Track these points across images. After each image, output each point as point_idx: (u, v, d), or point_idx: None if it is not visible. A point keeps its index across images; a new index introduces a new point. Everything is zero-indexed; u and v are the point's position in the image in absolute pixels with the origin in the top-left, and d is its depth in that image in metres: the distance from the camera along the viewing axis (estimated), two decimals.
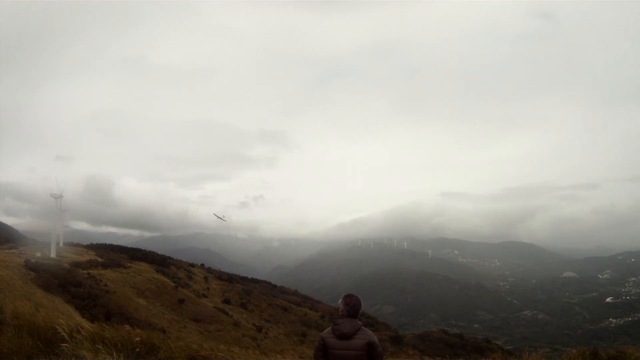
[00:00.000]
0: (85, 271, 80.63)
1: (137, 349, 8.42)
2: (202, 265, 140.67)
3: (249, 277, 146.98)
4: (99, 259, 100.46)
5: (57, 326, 8.79)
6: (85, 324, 10.22)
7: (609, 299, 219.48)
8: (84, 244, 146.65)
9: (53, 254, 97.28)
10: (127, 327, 9.71)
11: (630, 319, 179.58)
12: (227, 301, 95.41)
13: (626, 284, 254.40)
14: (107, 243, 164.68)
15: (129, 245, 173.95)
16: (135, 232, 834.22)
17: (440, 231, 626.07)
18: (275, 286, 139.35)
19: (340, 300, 5.79)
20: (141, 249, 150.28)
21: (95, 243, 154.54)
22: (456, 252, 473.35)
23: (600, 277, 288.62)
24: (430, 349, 74.16)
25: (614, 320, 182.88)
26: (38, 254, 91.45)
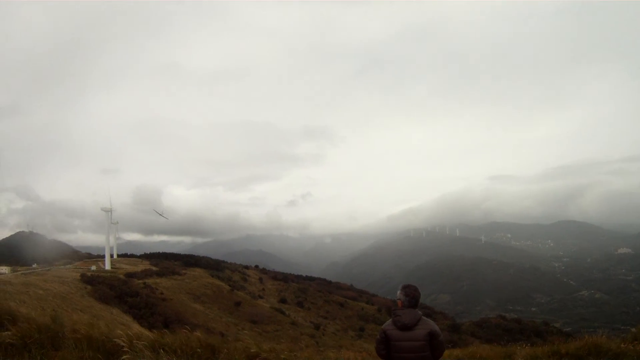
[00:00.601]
0: (140, 281, 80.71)
1: (197, 353, 8.41)
2: (257, 266, 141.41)
3: (304, 275, 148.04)
4: (154, 268, 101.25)
5: (115, 337, 8.58)
6: (144, 332, 10.20)
7: None
8: (138, 254, 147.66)
9: (108, 267, 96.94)
10: (186, 332, 9.16)
11: None
12: (283, 301, 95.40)
13: None
14: (161, 252, 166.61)
15: (183, 252, 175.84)
16: (187, 239, 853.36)
17: (491, 215, 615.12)
18: (330, 282, 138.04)
19: (399, 292, 5.57)
20: (195, 255, 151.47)
21: (148, 252, 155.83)
22: (509, 235, 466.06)
23: None
24: (488, 335, 73.41)
25: None
26: (93, 268, 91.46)
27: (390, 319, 5.49)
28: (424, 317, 5.45)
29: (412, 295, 5.50)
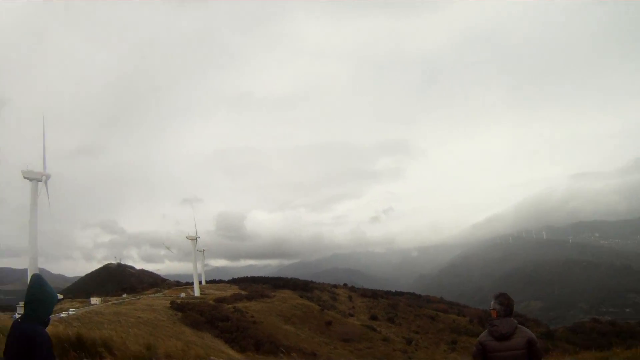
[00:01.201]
0: (230, 305, 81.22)
1: None
2: (345, 285, 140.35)
3: (393, 290, 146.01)
4: (243, 292, 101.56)
5: None
6: (237, 356, 12.90)
7: None
8: (226, 279, 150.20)
9: (197, 293, 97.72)
10: (280, 354, 10.80)
11: None
12: (373, 317, 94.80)
13: None
14: (249, 276, 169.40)
15: (270, 275, 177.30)
16: (274, 262, 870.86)
17: (576, 215, 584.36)
18: (419, 296, 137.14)
19: (492, 301, 5.45)
20: (283, 277, 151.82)
21: (236, 277, 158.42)
22: (597, 234, 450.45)
23: None
24: (583, 340, 71.34)
25: None
26: (182, 295, 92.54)
27: (486, 330, 5.35)
28: (519, 325, 5.27)
29: (506, 304, 5.34)
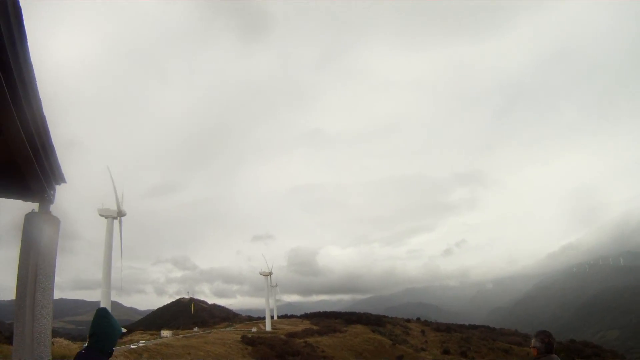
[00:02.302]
0: (301, 340, 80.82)
1: None
2: (418, 319, 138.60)
3: (466, 324, 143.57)
4: (314, 327, 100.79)
5: None
6: None
7: None
8: (298, 314, 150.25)
9: (269, 328, 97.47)
10: None
11: None
12: (446, 351, 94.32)
13: None
14: (321, 311, 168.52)
15: (343, 310, 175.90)
16: (347, 297, 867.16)
17: None
18: (494, 329, 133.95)
19: (533, 339, 5.47)
20: (355, 312, 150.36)
21: (309, 312, 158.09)
22: None
23: None
24: None
25: None
26: (254, 329, 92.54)
27: None
28: None
29: (547, 342, 5.29)
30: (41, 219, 5.22)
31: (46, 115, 4.22)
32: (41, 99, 3.99)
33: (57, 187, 5.43)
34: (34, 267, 4.89)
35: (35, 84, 3.74)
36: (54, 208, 5.41)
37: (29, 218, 5.18)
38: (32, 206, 5.40)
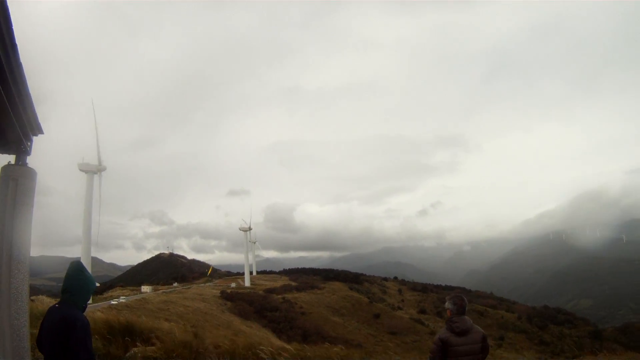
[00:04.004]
0: (279, 296, 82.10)
1: None
2: (395, 278, 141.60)
3: (443, 285, 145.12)
4: (293, 283, 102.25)
5: (258, 351, 8.91)
6: (285, 346, 10.24)
7: None
8: (277, 270, 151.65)
9: (247, 283, 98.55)
10: (327, 344, 10.15)
11: None
12: (422, 311, 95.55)
13: None
14: (300, 267, 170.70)
15: (321, 267, 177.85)
16: (325, 254, 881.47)
17: (631, 212, 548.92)
18: (469, 291, 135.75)
19: (447, 302, 5.98)
20: (333, 269, 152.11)
21: (287, 268, 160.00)
22: None
23: None
24: (633, 342, 68.61)
25: None
26: (233, 285, 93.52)
27: (444, 327, 5.77)
28: (473, 323, 5.80)
29: (459, 304, 5.82)
30: (17, 171, 5.06)
31: (22, 64, 4.05)
32: (17, 46, 3.82)
33: (34, 139, 5.24)
34: (10, 219, 4.74)
35: (11, 30, 3.60)
36: (31, 160, 5.24)
37: (5, 170, 5.01)
38: (8, 158, 5.23)
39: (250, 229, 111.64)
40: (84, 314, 4.37)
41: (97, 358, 8.23)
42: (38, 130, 5.14)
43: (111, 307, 36.36)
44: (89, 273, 4.52)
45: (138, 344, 9.40)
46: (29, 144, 5.16)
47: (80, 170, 61.14)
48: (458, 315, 5.78)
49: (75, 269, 4.42)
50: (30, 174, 5.08)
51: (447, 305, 5.97)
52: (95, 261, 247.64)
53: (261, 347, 9.23)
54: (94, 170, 61.12)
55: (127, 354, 8.79)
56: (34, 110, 4.78)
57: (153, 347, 8.96)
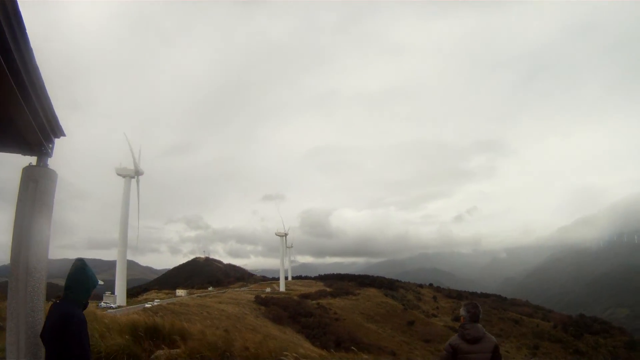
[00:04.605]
0: (314, 301, 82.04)
1: None
2: (431, 285, 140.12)
3: (478, 292, 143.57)
4: (328, 289, 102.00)
5: (282, 357, 8.89)
6: (313, 351, 10.65)
7: None
8: (312, 276, 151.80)
9: (282, 288, 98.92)
10: (354, 351, 9.78)
11: None
12: (457, 319, 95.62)
13: None
14: (335, 273, 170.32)
15: (357, 273, 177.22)
16: (360, 260, 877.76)
17: None
18: (505, 299, 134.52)
19: (461, 309, 5.97)
20: (369, 275, 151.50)
21: (323, 274, 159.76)
22: None
23: None
24: None
25: None
26: (268, 290, 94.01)
27: (456, 334, 5.70)
28: (486, 332, 5.69)
29: (472, 312, 5.74)
30: (38, 172, 5.14)
31: (39, 66, 4.04)
32: (33, 50, 3.85)
33: (56, 141, 5.33)
34: (30, 219, 4.83)
35: (26, 34, 3.61)
36: (53, 162, 5.33)
37: (26, 171, 5.11)
38: (31, 160, 5.33)
39: (286, 234, 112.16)
40: (92, 310, 4.50)
41: (124, 358, 8.41)
42: (60, 132, 5.21)
43: (145, 309, 37.11)
44: (91, 271, 4.58)
45: (163, 346, 9.40)
46: (50, 145, 5.23)
47: (118, 174, 62.83)
48: (471, 323, 5.71)
49: (77, 267, 4.50)
50: (50, 176, 5.16)
51: (461, 312, 5.93)
52: (131, 264, 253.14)
53: (285, 353, 9.13)
54: (131, 175, 62.68)
55: (152, 356, 8.82)
56: (54, 112, 4.86)
57: (177, 350, 8.97)
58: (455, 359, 5.55)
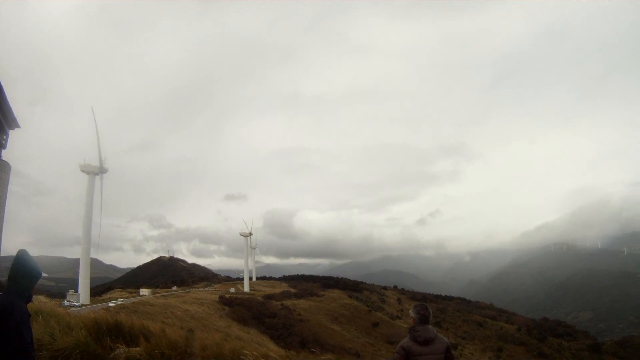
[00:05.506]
0: (278, 302, 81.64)
1: None
2: (395, 287, 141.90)
3: (442, 294, 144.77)
4: (292, 290, 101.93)
5: (242, 356, 8.99)
6: (273, 352, 10.16)
7: None
8: (277, 277, 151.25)
9: (247, 289, 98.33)
10: (316, 353, 9.97)
11: None
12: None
13: None
14: (299, 274, 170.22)
15: (321, 274, 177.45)
16: (325, 261, 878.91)
17: (633, 225, 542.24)
18: (469, 302, 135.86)
19: (411, 311, 5.95)
20: (333, 277, 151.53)
21: (287, 275, 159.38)
22: None
23: None
24: (632, 356, 70.78)
25: None
26: (232, 290, 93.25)
27: (407, 337, 5.67)
28: (437, 333, 5.68)
29: (422, 314, 5.73)
30: None
31: None
32: None
33: (10, 132, 5.19)
34: None
35: None
36: (10, 155, 5.20)
37: None
38: None
39: (250, 234, 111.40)
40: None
41: (83, 356, 8.24)
42: (14, 124, 5.08)
43: (108, 308, 36.30)
44: (34, 262, 4.44)
45: (124, 344, 9.25)
46: (4, 137, 5.11)
47: (82, 171, 61.22)
48: (421, 324, 5.69)
49: (19, 258, 4.35)
50: (4, 167, 5.03)
51: (411, 314, 5.91)
52: (95, 262, 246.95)
53: (245, 352, 9.12)
54: (95, 172, 61.19)
55: (112, 354, 8.70)
56: (8, 103, 4.74)
57: (138, 348, 8.84)
58: None
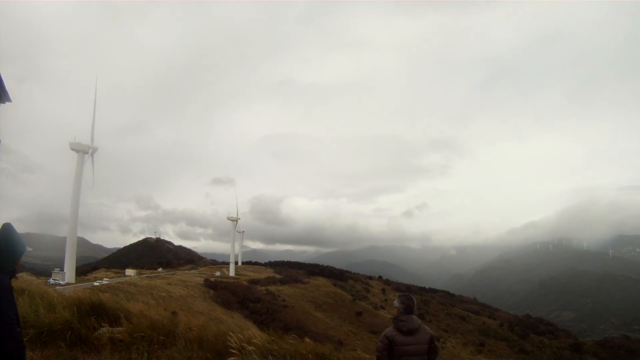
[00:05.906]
0: (263, 288, 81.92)
1: None
2: (380, 277, 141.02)
3: (427, 287, 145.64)
4: (277, 276, 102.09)
5: (227, 337, 8.91)
6: (256, 337, 9.61)
7: None
8: (263, 262, 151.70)
9: (232, 273, 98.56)
10: (297, 338, 9.08)
11: None
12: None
13: None
14: (285, 260, 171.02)
15: (307, 262, 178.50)
16: (311, 249, 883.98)
17: (619, 228, 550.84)
18: (453, 295, 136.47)
19: (396, 301, 6.01)
20: (319, 265, 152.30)
21: (273, 261, 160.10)
22: (638, 249, 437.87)
23: None
24: (611, 356, 71.65)
25: None
26: (217, 274, 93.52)
27: (391, 326, 5.71)
28: (421, 323, 5.75)
29: (406, 304, 5.80)
30: None
31: None
32: None
33: (1, 106, 5.19)
34: None
35: None
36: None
37: None
38: None
39: (238, 218, 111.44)
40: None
41: (67, 334, 8.31)
42: (5, 97, 5.06)
43: (93, 288, 36.48)
44: (18, 236, 4.37)
45: (107, 324, 9.35)
46: None
47: (72, 149, 60.82)
48: (405, 314, 5.74)
49: (4, 232, 4.28)
50: None
51: (395, 304, 5.96)
52: (82, 241, 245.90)
53: (230, 335, 9.05)
54: (85, 150, 60.88)
55: (95, 333, 8.84)
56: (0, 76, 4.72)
57: (120, 329, 8.97)
58: (391, 350, 5.58)
